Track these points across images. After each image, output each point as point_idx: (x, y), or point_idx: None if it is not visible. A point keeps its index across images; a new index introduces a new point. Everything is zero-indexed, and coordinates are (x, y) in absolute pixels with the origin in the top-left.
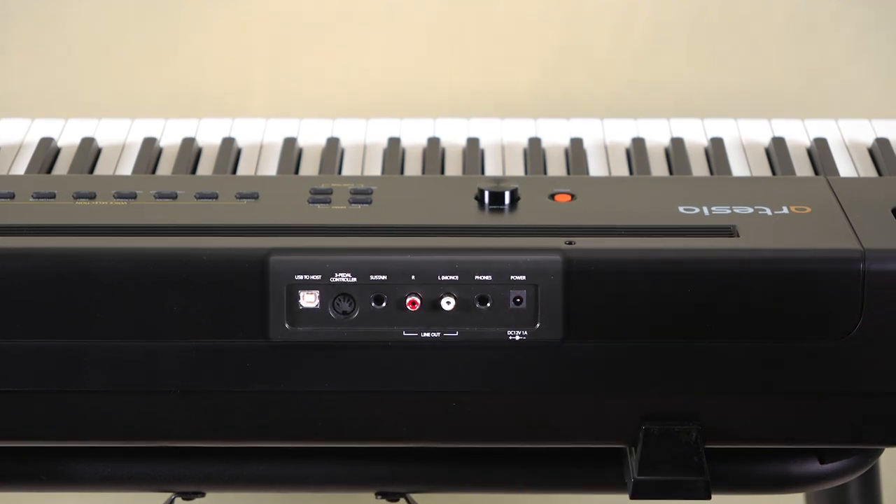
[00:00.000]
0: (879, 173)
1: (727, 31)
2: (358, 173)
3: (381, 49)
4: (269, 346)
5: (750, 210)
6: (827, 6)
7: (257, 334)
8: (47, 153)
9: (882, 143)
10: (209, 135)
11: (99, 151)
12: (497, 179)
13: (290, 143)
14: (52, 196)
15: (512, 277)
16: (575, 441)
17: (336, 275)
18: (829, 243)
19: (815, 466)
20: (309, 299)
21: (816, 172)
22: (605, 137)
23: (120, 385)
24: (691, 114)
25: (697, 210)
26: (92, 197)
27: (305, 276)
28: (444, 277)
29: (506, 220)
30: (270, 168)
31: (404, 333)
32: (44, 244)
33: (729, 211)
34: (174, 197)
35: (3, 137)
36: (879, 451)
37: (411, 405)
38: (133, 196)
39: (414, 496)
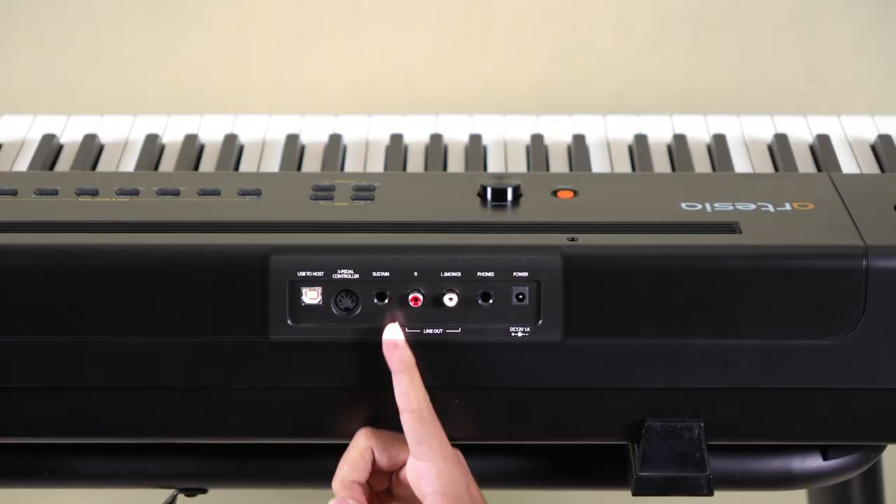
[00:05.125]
0: (882, 170)
1: (729, 28)
2: (360, 170)
3: (384, 45)
4: (271, 343)
5: (752, 207)
6: (829, 3)
7: (260, 331)
8: (50, 150)
9: (884, 139)
10: (211, 131)
11: (101, 148)
12: (499, 176)
13: (292, 139)
14: (55, 192)
15: (514, 274)
16: (577, 437)
17: (338, 271)
18: (831, 240)
19: (817, 463)
20: (311, 296)
21: (819, 169)
22: (608, 134)
23: (122, 382)
24: (694, 110)
25: (700, 207)
26: (94, 193)
27: (308, 273)
28: (446, 274)
29: (508, 216)
30: (273, 165)
31: (406, 330)
32: (46, 241)
33: (731, 207)
34: (177, 193)
35: (6, 134)
36: (882, 448)
37: None
38: (135, 192)
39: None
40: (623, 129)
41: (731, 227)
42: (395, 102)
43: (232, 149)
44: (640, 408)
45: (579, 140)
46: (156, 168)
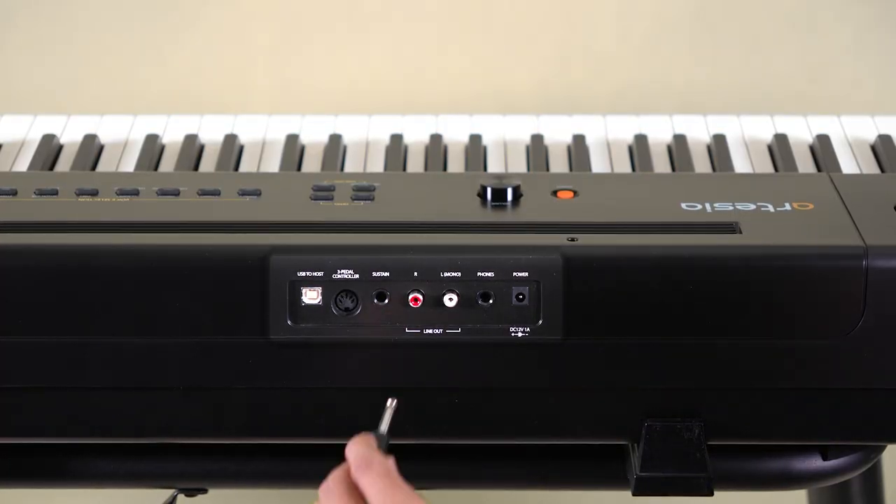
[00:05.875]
0: (882, 170)
1: (729, 28)
2: (360, 170)
3: (384, 46)
4: (271, 343)
5: (752, 207)
6: (829, 3)
7: (260, 331)
8: (50, 150)
9: (884, 139)
10: (211, 132)
11: (101, 148)
12: (499, 176)
13: (292, 139)
14: (55, 193)
15: (514, 274)
16: (577, 437)
17: (338, 272)
18: (831, 240)
19: (817, 463)
20: (311, 296)
21: (819, 169)
22: (608, 134)
23: (122, 382)
24: (693, 111)
25: (700, 207)
26: (94, 193)
27: (307, 273)
28: (446, 274)
29: (508, 216)
30: (273, 165)
31: (407, 330)
32: (46, 241)
33: (731, 208)
34: (176, 194)
35: (6, 134)
36: (882, 448)
37: (414, 402)
38: (135, 193)
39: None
40: (623, 129)
41: (731, 227)
42: (395, 102)
43: (232, 149)
44: (640, 408)
45: (579, 140)
46: (156, 168)
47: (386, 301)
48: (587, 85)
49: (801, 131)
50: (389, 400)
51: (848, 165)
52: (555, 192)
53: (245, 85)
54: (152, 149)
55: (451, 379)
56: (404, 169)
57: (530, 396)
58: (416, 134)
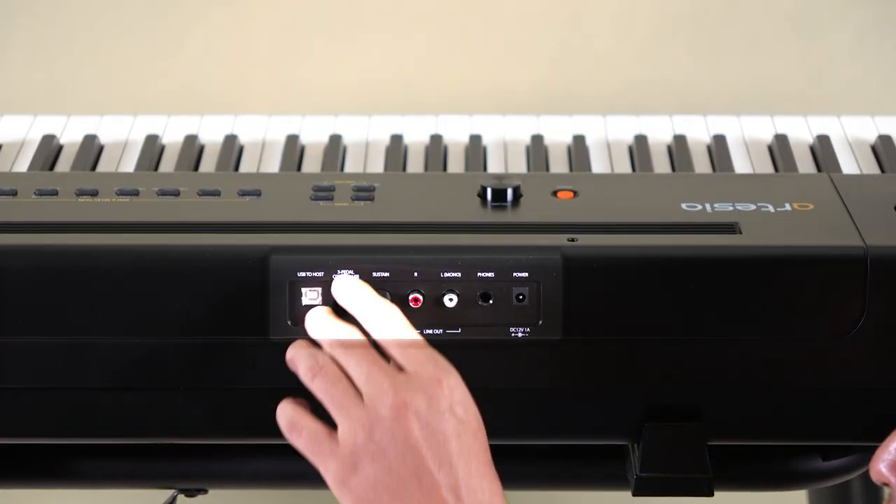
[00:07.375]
0: (882, 170)
1: (729, 29)
2: (360, 170)
3: (384, 46)
4: (271, 343)
5: (752, 207)
6: (829, 4)
7: (259, 331)
8: (49, 150)
9: (885, 139)
10: (211, 132)
11: (101, 148)
12: (500, 176)
13: (292, 140)
14: (55, 193)
15: (514, 274)
16: (577, 438)
17: (338, 271)
18: (831, 240)
19: (817, 464)
20: (311, 296)
21: (819, 169)
22: (608, 134)
23: (122, 382)
24: (694, 111)
25: (700, 207)
26: (94, 194)
27: (307, 274)
28: (446, 275)
29: (508, 217)
30: (273, 165)
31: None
32: (46, 241)
33: (731, 208)
34: (176, 194)
35: (6, 134)
36: None
37: None
38: (135, 193)
39: None
40: (623, 129)
41: (731, 227)
42: (395, 103)
43: (232, 149)
44: (640, 408)
45: (579, 140)
46: (156, 168)
47: None
48: (587, 85)
49: (801, 131)
50: None
51: (848, 166)
52: (555, 193)
53: (245, 85)
54: (152, 149)
55: None
56: (404, 169)
57: (530, 396)
58: (416, 134)
